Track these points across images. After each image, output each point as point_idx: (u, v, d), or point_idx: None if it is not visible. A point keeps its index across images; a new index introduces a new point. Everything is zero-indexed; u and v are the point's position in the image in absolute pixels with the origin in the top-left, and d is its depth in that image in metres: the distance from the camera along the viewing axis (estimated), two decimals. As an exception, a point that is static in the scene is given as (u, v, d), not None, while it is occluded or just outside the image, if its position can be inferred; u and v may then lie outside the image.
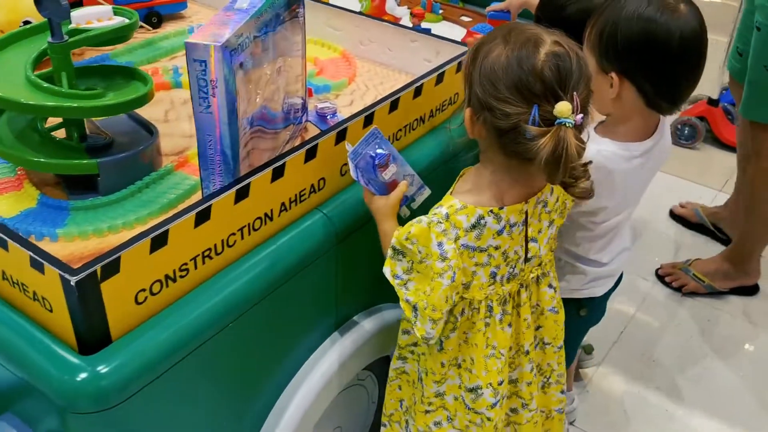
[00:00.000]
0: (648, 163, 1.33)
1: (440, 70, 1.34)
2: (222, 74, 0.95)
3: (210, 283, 1.02)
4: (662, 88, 1.24)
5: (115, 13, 1.25)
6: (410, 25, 1.76)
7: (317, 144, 1.13)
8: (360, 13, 1.60)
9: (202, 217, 0.98)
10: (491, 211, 1.07)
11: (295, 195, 1.14)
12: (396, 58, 1.58)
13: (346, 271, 1.23)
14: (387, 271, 1.09)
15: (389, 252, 1.08)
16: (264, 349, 1.13)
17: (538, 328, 1.25)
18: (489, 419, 1.18)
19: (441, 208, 1.08)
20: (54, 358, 0.91)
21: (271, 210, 1.10)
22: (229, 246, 1.05)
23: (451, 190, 1.13)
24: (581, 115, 0.98)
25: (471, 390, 1.17)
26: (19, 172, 1.18)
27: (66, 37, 1.12)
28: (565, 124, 0.96)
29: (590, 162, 1.06)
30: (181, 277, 0.99)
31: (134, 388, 0.92)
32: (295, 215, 1.15)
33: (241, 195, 1.03)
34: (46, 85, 1.09)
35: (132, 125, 1.27)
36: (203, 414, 1.07)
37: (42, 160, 1.10)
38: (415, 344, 1.24)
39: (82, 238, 1.06)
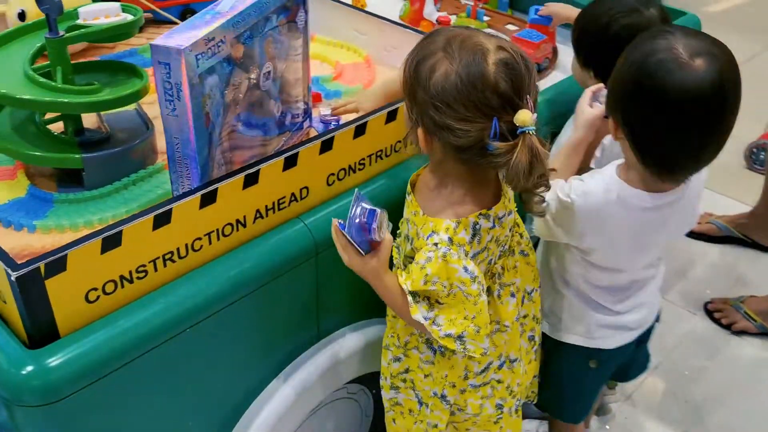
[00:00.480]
0: (667, 221, 1.19)
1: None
2: (186, 78, 0.93)
3: (170, 287, 1.02)
4: (648, 152, 1.09)
5: (123, 10, 1.26)
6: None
7: (298, 152, 1.11)
8: (386, 18, 1.56)
9: (162, 219, 0.97)
10: (480, 214, 1.04)
11: (273, 203, 1.11)
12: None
13: (327, 284, 1.20)
14: (419, 317, 1.04)
15: (409, 299, 1.04)
16: (228, 358, 1.11)
17: (514, 267, 1.19)
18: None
19: (439, 236, 1.02)
20: (2, 351, 0.92)
21: (244, 217, 1.08)
22: (195, 250, 1.04)
23: (415, 210, 1.08)
24: (535, 117, 0.94)
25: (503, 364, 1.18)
26: (17, 162, 1.21)
27: (62, 33, 1.14)
28: (529, 132, 0.93)
29: (552, 169, 1.02)
30: (139, 278, 0.99)
31: (80, 384, 0.93)
32: (273, 223, 1.13)
33: (208, 200, 1.02)
34: (42, 79, 1.11)
35: (136, 121, 1.28)
36: (159, 416, 1.06)
37: (30, 152, 1.13)
38: (407, 370, 1.19)
39: (58, 230, 1.08)
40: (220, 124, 1.04)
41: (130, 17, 1.24)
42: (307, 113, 1.34)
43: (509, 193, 1.11)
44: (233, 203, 1.06)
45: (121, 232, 0.93)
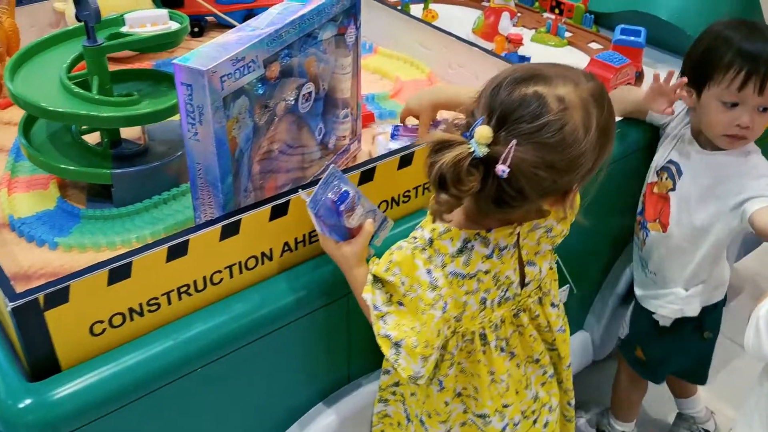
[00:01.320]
0: None
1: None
2: (208, 101, 0.86)
3: (184, 322, 0.95)
4: None
5: (171, 19, 1.20)
6: (510, 49, 1.58)
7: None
8: (453, 34, 1.45)
9: (178, 251, 0.90)
10: (478, 234, 0.93)
11: (304, 235, 1.03)
12: (482, 88, 1.42)
13: (359, 326, 1.10)
14: (368, 297, 0.95)
15: (369, 278, 0.96)
16: (242, 403, 1.04)
17: (552, 348, 1.09)
18: None
19: (422, 232, 0.94)
20: (2, 381, 0.87)
21: (270, 249, 1.00)
22: (214, 284, 0.97)
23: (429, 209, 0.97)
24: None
25: (480, 416, 1.04)
26: (51, 171, 1.17)
27: (101, 41, 1.09)
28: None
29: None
30: (151, 311, 0.92)
31: (79, 422, 0.87)
32: (303, 256, 1.05)
33: (230, 231, 0.94)
34: (76, 90, 1.07)
35: (179, 133, 1.22)
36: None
37: (59, 165, 1.09)
38: (397, 384, 1.10)
39: (79, 249, 1.03)
40: (250, 148, 0.97)
41: (175, 26, 1.18)
42: (356, 135, 1.25)
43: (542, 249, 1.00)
44: (259, 235, 0.98)
45: (130, 263, 0.87)
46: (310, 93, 1.06)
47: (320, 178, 0.94)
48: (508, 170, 0.82)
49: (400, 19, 1.54)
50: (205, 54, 0.88)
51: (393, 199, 1.11)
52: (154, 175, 1.12)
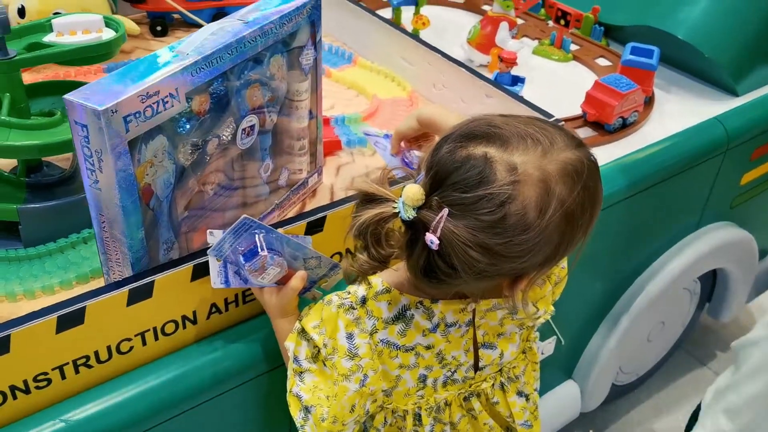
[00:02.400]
0: None
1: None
2: (107, 146, 0.70)
3: (80, 399, 0.80)
4: None
5: (107, 25, 1.04)
6: (498, 69, 1.41)
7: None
8: (438, 50, 1.28)
9: (71, 320, 0.75)
10: (420, 303, 0.78)
11: (236, 295, 0.88)
12: (468, 113, 1.25)
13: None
14: (290, 346, 0.81)
15: (297, 326, 0.81)
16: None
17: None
18: None
19: (358, 287, 0.79)
20: None
21: (194, 312, 0.85)
22: (122, 353, 0.82)
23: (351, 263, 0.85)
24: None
25: None
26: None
27: (13, 53, 0.93)
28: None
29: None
30: (39, 388, 0.77)
31: None
32: (235, 318, 0.89)
33: (140, 295, 0.79)
34: (-18, 110, 0.91)
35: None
36: None
37: (-43, 196, 0.93)
38: None
39: (-27, 299, 0.88)
40: (171, 194, 0.81)
41: (109, 34, 1.02)
42: (317, 166, 1.09)
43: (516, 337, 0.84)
44: (178, 297, 0.83)
45: (8, 337, 0.72)
46: (251, 127, 0.90)
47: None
48: (437, 242, 0.66)
49: (383, 29, 1.37)
50: (108, 84, 0.72)
51: (348, 250, 0.96)
52: (73, 209, 0.96)
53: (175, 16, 1.53)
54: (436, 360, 0.82)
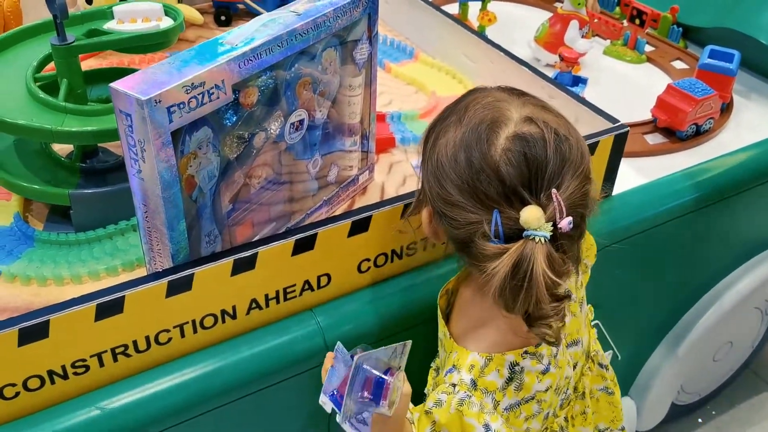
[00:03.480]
0: None
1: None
2: (150, 136, 0.69)
3: (117, 388, 0.80)
4: None
5: (166, 14, 1.05)
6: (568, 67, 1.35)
7: (316, 234, 0.84)
8: (501, 48, 1.23)
9: (110, 309, 0.75)
10: (525, 352, 0.76)
11: (277, 292, 0.86)
12: (530, 114, 1.21)
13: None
14: None
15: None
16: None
17: (583, 412, 0.92)
18: None
19: (460, 374, 0.75)
20: None
21: (233, 307, 0.84)
22: (160, 344, 0.81)
23: (443, 330, 0.81)
24: (568, 220, 0.66)
25: None
26: (19, 178, 1.04)
27: (72, 38, 0.94)
28: (533, 238, 0.65)
29: (567, 297, 0.69)
30: (77, 374, 0.77)
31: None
32: (275, 315, 0.88)
33: (179, 287, 0.78)
34: (43, 96, 0.92)
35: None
36: None
37: (13, 181, 0.95)
38: None
39: (22, 282, 0.89)
40: (215, 187, 0.80)
41: (167, 23, 1.02)
42: (368, 163, 1.06)
43: (579, 312, 0.83)
44: (218, 291, 0.82)
45: (47, 322, 0.72)
46: (301, 121, 0.88)
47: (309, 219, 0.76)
48: (571, 219, 0.66)
49: (446, 24, 1.33)
50: (155, 74, 0.71)
51: (394, 251, 0.93)
52: (124, 196, 0.96)
53: (240, 6, 1.53)
54: (554, 396, 0.80)
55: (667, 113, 1.29)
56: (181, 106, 0.71)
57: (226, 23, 1.50)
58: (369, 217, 0.87)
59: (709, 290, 1.35)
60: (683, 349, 1.36)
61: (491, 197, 0.67)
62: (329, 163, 0.98)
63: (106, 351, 0.78)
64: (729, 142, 1.30)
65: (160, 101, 0.69)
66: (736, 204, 1.23)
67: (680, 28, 1.59)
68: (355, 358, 0.72)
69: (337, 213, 1.03)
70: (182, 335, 0.82)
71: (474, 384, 0.75)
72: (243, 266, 0.81)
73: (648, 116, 1.32)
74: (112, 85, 0.69)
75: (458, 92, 1.29)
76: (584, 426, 0.90)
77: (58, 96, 0.94)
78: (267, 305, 0.87)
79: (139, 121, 0.69)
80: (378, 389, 0.73)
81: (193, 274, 0.78)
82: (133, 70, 1.08)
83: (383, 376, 0.73)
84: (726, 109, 1.37)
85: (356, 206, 1.05)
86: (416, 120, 1.21)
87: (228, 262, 0.80)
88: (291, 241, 0.83)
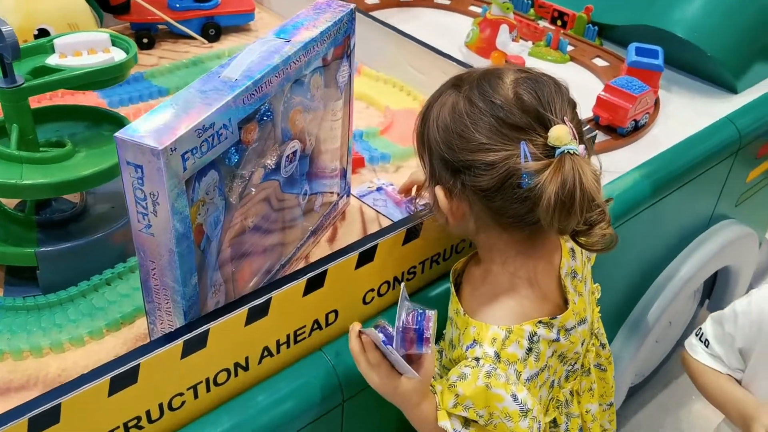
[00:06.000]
0: None
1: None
2: (166, 187, 0.63)
3: (133, 464, 0.72)
4: None
5: (114, 44, 0.96)
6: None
7: (326, 270, 0.80)
8: (449, 56, 1.23)
9: (123, 381, 0.68)
10: (539, 322, 0.78)
11: (288, 336, 0.81)
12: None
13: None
14: (446, 425, 0.76)
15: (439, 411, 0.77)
16: None
17: (590, 389, 0.94)
18: None
19: (482, 348, 0.76)
20: None
21: (246, 358, 0.78)
22: (173, 409, 0.74)
23: (456, 308, 0.82)
24: (583, 146, 0.72)
25: None
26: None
27: (21, 80, 0.84)
28: (568, 152, 0.70)
29: (610, 200, 0.78)
30: (87, 456, 0.69)
31: None
32: (286, 360, 0.83)
33: (195, 346, 0.72)
34: (-12, 143, 0.82)
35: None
36: None
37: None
38: None
39: (-10, 357, 0.79)
40: (220, 232, 0.74)
41: (119, 56, 0.93)
42: (346, 187, 1.03)
43: (585, 290, 0.85)
44: (232, 344, 0.76)
45: (59, 407, 0.64)
46: (294, 153, 0.83)
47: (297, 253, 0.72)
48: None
49: (387, 35, 1.31)
50: (160, 120, 0.64)
51: (395, 278, 0.90)
52: (93, 249, 0.88)
53: (161, 26, 1.44)
54: (559, 363, 0.82)
55: (608, 111, 1.33)
56: (194, 151, 0.65)
57: (149, 46, 1.40)
58: (375, 247, 0.84)
59: (656, 278, 1.41)
60: (639, 336, 1.41)
61: (517, 126, 0.71)
62: (316, 191, 0.93)
63: (118, 427, 0.70)
64: (663, 134, 1.36)
65: (175, 149, 0.62)
66: (683, 193, 1.29)
67: (596, 27, 1.65)
68: (402, 287, 0.75)
69: (321, 241, 0.98)
70: (195, 396, 0.76)
71: (498, 356, 0.75)
72: (257, 314, 0.76)
73: (587, 115, 1.36)
74: (118, 135, 0.62)
75: (411, 106, 1.28)
76: (591, 402, 0.92)
77: (8, 144, 0.84)
78: (278, 351, 0.81)
79: (152, 173, 0.62)
80: (420, 321, 0.73)
81: (208, 330, 0.72)
82: (83, 108, 0.99)
83: (424, 309, 0.74)
84: (655, 103, 1.43)
85: (339, 232, 1.01)
86: (378, 137, 1.18)
87: (242, 312, 0.75)
88: (303, 281, 0.78)
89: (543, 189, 0.69)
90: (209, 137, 0.66)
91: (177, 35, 1.43)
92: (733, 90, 1.50)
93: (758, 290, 1.04)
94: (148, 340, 0.76)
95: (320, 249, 0.97)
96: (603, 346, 0.95)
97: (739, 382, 1.06)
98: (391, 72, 1.33)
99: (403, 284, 0.76)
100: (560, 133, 0.70)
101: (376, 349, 0.75)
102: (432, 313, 0.75)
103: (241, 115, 0.70)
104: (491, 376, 0.74)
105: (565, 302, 0.81)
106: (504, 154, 0.71)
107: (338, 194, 1.01)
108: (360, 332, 0.76)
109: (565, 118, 0.72)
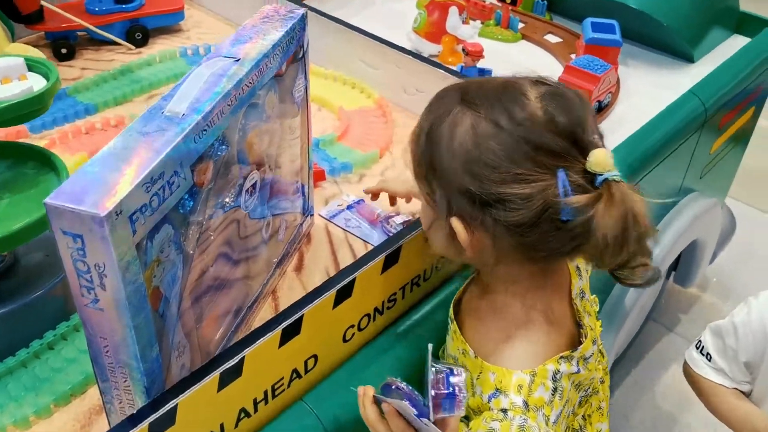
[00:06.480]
0: None
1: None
2: (114, 257, 0.53)
3: None
4: None
5: (30, 69, 0.83)
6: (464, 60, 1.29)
7: (302, 316, 0.71)
8: (405, 50, 1.14)
9: (84, 479, 0.58)
10: (561, 358, 0.71)
11: (264, 392, 0.72)
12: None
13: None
14: None
15: None
16: None
17: (599, 408, 0.90)
18: None
19: (510, 398, 0.68)
20: None
21: (221, 425, 0.69)
22: (143, 496, 0.65)
23: (462, 348, 0.75)
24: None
25: None
26: None
27: None
28: (613, 179, 0.62)
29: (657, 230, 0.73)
30: None
31: None
32: (265, 418, 0.74)
33: (162, 425, 0.62)
34: None
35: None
36: None
37: None
38: None
39: None
40: (179, 289, 0.64)
41: (39, 84, 0.81)
42: (308, 206, 0.93)
43: (591, 308, 0.81)
44: (204, 414, 0.66)
45: None
46: (254, 185, 0.74)
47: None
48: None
49: (335, 30, 1.21)
50: (97, 175, 0.54)
51: (376, 309, 0.82)
52: (31, 310, 0.77)
53: (81, 33, 1.30)
54: (575, 393, 0.76)
55: (571, 94, 1.27)
56: (144, 209, 0.55)
57: (69, 56, 1.27)
58: (353, 281, 0.75)
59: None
60: (617, 324, 1.37)
61: (552, 151, 0.62)
62: (278, 220, 0.84)
63: None
64: (627, 112, 1.30)
65: (121, 212, 0.52)
66: (657, 172, 1.24)
67: (545, 2, 1.58)
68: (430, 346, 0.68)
69: (287, 270, 0.89)
70: (167, 477, 0.66)
71: (526, 405, 0.68)
72: (230, 376, 0.67)
73: (549, 97, 1.30)
74: (48, 201, 0.51)
75: (366, 104, 1.19)
76: (601, 422, 0.87)
77: None
78: (256, 410, 0.72)
79: (96, 242, 0.52)
80: (448, 383, 0.67)
81: (176, 405, 0.63)
82: (0, 143, 0.86)
83: (451, 367, 0.68)
84: (616, 84, 1.38)
85: (306, 258, 0.92)
86: (336, 144, 1.08)
87: (214, 377, 0.65)
88: (277, 332, 0.69)
89: (596, 225, 0.61)
90: (159, 190, 0.56)
91: (99, 42, 1.30)
92: (689, 59, 1.46)
93: (755, 299, 0.99)
94: (104, 415, 0.66)
95: (287, 280, 0.88)
96: (603, 355, 0.90)
97: (744, 393, 1.02)
98: (341, 69, 1.23)
99: (430, 345, 0.68)
100: (601, 158, 0.62)
101: (399, 415, 0.66)
102: (462, 372, 0.68)
103: (193, 157, 0.60)
104: (524, 429, 0.67)
105: (578, 325, 0.74)
106: (541, 185, 0.62)
107: (302, 214, 0.91)
108: (374, 397, 0.68)
109: (596, 137, 0.64)
